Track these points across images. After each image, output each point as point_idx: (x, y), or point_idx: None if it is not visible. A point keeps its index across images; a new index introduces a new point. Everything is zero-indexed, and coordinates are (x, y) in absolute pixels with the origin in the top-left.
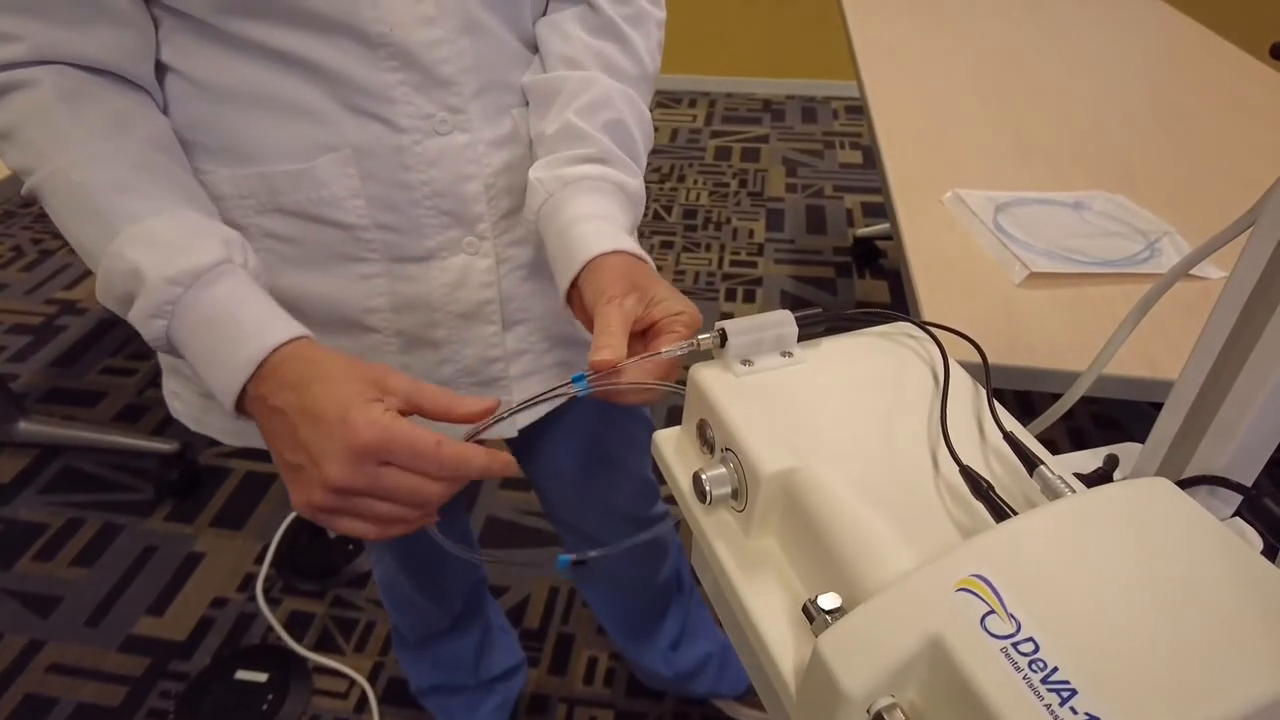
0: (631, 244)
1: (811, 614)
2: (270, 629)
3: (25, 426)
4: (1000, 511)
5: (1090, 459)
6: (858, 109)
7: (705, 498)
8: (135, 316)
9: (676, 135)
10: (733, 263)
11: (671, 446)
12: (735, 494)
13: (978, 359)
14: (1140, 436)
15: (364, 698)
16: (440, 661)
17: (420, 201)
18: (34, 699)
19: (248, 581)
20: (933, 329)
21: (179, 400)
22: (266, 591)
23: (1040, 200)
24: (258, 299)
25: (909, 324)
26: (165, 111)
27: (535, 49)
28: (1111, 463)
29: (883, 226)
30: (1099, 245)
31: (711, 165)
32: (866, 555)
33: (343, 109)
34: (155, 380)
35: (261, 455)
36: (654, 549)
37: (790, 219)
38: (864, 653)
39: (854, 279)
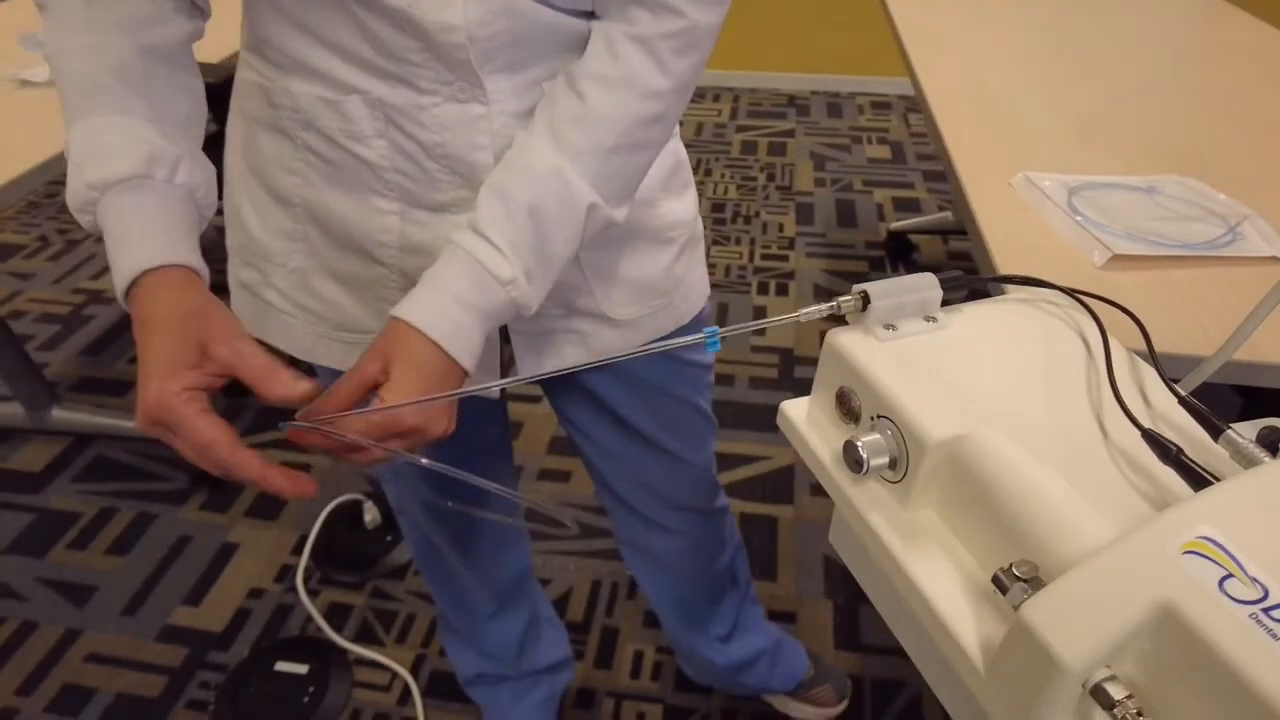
0: (423, 315)
1: (1005, 584)
2: (309, 620)
3: (58, 414)
4: (1197, 476)
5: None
6: (883, 104)
7: (861, 467)
8: (70, 204)
9: (702, 130)
10: (764, 256)
11: (802, 416)
12: (893, 463)
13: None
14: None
15: (407, 690)
16: (486, 649)
17: (434, 159)
18: (73, 688)
19: (283, 573)
20: (1083, 297)
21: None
22: (304, 583)
23: (1111, 184)
24: (155, 217)
25: (1054, 291)
26: (243, 20)
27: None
28: (1274, 434)
29: (916, 220)
30: (1177, 229)
31: (738, 159)
32: (1058, 523)
33: (374, 60)
34: None
35: (293, 446)
36: (712, 539)
37: (820, 213)
38: (1081, 622)
39: (888, 273)
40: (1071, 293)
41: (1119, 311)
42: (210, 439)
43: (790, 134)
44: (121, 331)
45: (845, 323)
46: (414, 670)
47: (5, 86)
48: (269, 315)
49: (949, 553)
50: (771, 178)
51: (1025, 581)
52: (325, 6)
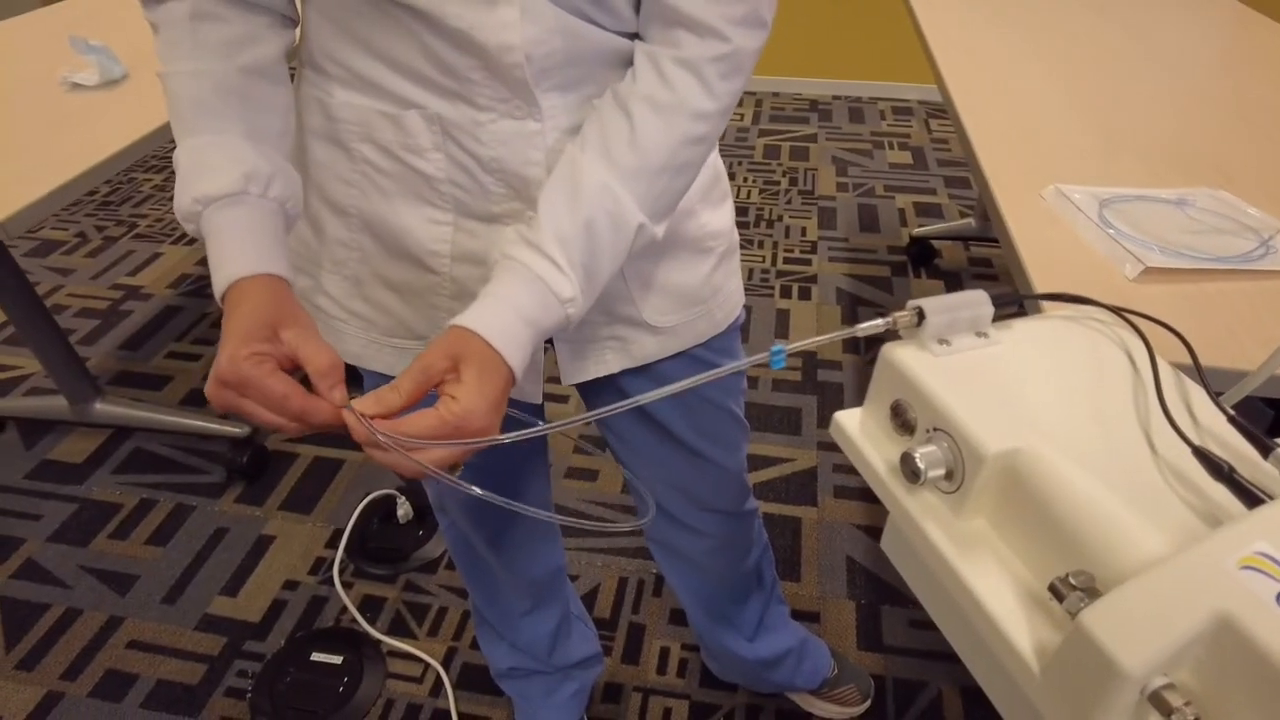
0: (490, 327)
1: (1062, 592)
2: (343, 611)
3: (101, 407)
4: (1250, 495)
5: None
6: (904, 110)
7: (918, 477)
8: (176, 213)
9: (725, 134)
10: (786, 260)
11: (856, 427)
12: (949, 474)
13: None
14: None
15: (439, 682)
16: (519, 644)
17: (489, 173)
18: (116, 674)
19: (318, 565)
20: (1130, 316)
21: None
22: (339, 575)
23: (1141, 197)
24: (249, 230)
25: (1100, 309)
26: (303, 35)
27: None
28: None
29: (939, 226)
30: (1209, 242)
31: (761, 163)
32: (1114, 536)
33: (434, 78)
34: None
35: (329, 441)
36: (740, 540)
37: (842, 217)
38: (1141, 630)
39: (909, 278)
40: (1118, 311)
41: (1157, 325)
42: (284, 392)
43: (812, 139)
44: (158, 327)
45: (896, 337)
46: (445, 662)
47: (55, 90)
48: (320, 322)
49: (1001, 560)
50: (794, 182)
51: (1082, 591)
52: (388, 26)
